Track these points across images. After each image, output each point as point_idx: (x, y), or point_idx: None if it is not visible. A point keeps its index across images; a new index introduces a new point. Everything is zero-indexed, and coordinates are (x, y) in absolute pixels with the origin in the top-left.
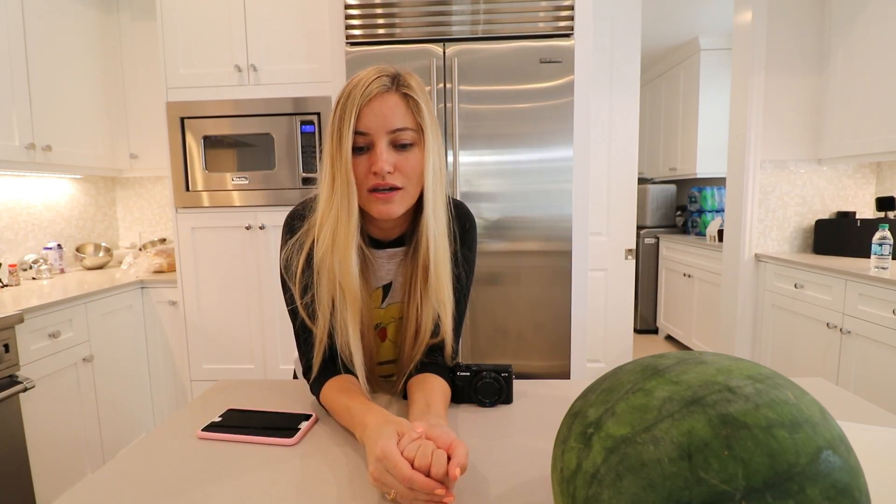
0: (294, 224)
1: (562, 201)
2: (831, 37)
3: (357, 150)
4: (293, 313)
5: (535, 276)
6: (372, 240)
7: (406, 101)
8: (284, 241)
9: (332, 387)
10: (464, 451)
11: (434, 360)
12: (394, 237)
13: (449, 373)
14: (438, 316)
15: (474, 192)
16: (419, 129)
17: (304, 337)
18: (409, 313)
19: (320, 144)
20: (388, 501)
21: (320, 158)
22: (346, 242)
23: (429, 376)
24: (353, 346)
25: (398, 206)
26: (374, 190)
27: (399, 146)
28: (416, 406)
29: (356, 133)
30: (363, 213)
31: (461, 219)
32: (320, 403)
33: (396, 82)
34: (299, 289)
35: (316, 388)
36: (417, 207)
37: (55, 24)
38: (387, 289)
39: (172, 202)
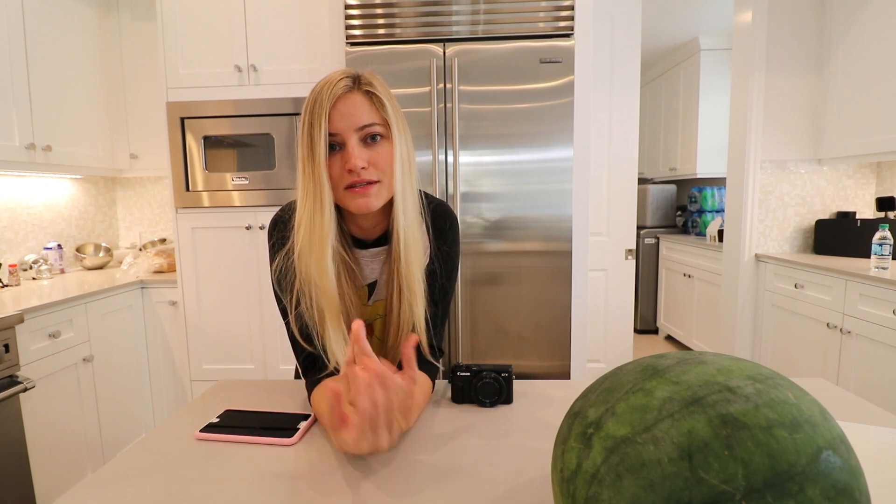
0: (281, 233)
1: (562, 201)
2: (831, 37)
3: (329, 149)
4: (288, 324)
5: (535, 276)
6: (356, 240)
7: (370, 98)
8: (274, 250)
9: (315, 395)
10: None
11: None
12: (375, 236)
13: (433, 367)
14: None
15: (474, 192)
16: (385, 125)
17: (299, 346)
18: (392, 308)
19: None
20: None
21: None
22: (322, 244)
23: None
24: (335, 347)
25: (376, 199)
26: (352, 186)
27: (370, 138)
28: None
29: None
30: (343, 213)
31: (441, 219)
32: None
33: (358, 82)
34: (296, 298)
35: (309, 389)
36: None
37: (55, 24)
38: (372, 287)
39: (172, 202)
